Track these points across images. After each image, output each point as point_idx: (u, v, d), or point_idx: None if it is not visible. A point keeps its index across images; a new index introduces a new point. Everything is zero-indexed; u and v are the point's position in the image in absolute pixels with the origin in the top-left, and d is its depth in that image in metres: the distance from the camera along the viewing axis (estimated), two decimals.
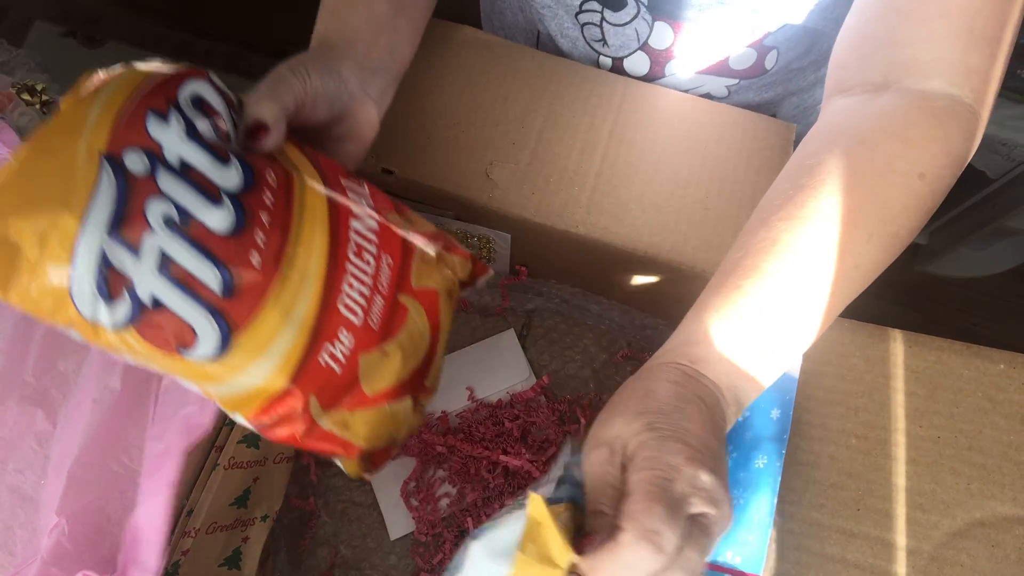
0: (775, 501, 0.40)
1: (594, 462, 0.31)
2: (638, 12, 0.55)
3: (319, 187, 0.37)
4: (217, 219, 0.33)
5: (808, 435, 0.48)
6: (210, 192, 0.33)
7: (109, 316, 0.31)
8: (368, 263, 0.37)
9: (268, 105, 0.37)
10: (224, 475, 0.49)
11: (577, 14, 0.58)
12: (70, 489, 0.41)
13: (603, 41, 0.58)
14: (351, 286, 0.36)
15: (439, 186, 0.52)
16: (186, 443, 0.36)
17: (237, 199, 0.34)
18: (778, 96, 0.63)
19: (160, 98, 0.34)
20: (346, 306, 0.35)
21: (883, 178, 0.36)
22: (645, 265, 0.52)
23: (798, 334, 0.36)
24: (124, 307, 0.31)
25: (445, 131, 0.54)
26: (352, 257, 0.37)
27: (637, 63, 0.59)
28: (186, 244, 0.32)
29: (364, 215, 0.39)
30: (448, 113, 0.55)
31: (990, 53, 0.37)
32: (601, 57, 0.60)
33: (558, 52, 0.62)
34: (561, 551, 0.26)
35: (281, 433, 0.35)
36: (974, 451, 0.47)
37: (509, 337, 0.59)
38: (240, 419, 0.35)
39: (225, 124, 0.36)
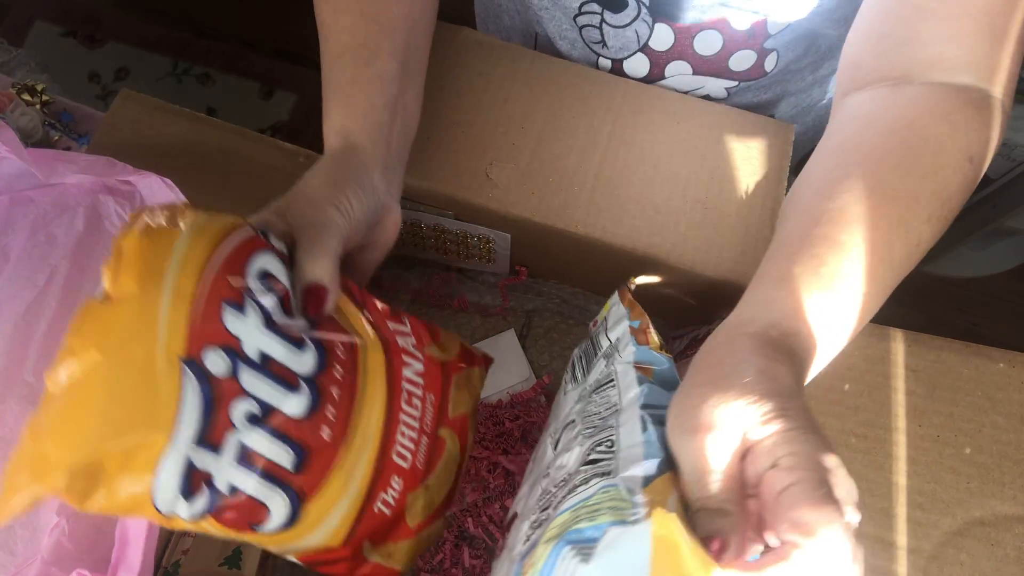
0: None
1: (708, 448, 0.27)
2: (639, 14, 0.55)
3: (379, 354, 0.38)
4: (295, 405, 0.33)
5: None
6: (289, 381, 0.33)
7: (188, 510, 0.31)
8: (416, 407, 0.39)
9: (323, 264, 0.34)
10: None
11: (576, 16, 0.57)
12: None
13: (602, 43, 0.58)
14: (403, 434, 0.38)
15: (439, 186, 0.52)
16: None
17: (313, 381, 0.34)
18: (776, 96, 0.63)
19: (233, 287, 0.32)
20: (399, 454, 0.38)
21: (936, 159, 0.36)
22: (645, 265, 0.52)
23: (869, 309, 0.35)
24: (203, 500, 0.31)
25: (445, 132, 0.54)
26: (404, 407, 0.39)
27: (637, 65, 0.59)
28: (266, 434, 0.32)
29: (412, 361, 0.40)
30: (448, 114, 0.55)
31: (1013, 51, 0.37)
32: (600, 59, 0.60)
33: (556, 54, 0.62)
34: (702, 566, 0.23)
35: (331, 569, 0.37)
36: (974, 450, 0.47)
37: (509, 337, 0.59)
38: (291, 557, 0.36)
39: (290, 294, 0.35)
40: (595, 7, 0.56)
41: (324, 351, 0.35)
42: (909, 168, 0.35)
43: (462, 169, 0.53)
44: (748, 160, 0.53)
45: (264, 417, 0.32)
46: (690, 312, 0.56)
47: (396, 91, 0.43)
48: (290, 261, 0.35)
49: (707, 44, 0.56)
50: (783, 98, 0.64)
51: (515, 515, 0.39)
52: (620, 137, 0.54)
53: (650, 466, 0.28)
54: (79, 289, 0.50)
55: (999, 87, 0.38)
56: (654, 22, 0.55)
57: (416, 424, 0.39)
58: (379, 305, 0.40)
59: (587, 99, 0.56)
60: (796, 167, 0.46)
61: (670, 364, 0.36)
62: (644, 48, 0.57)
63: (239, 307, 0.32)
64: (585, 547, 0.25)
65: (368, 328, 0.38)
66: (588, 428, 0.35)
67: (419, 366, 0.40)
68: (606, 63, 0.60)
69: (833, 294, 0.33)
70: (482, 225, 0.55)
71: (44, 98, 0.65)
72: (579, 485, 0.30)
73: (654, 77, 0.60)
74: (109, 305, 0.31)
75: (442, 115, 0.55)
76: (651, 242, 0.51)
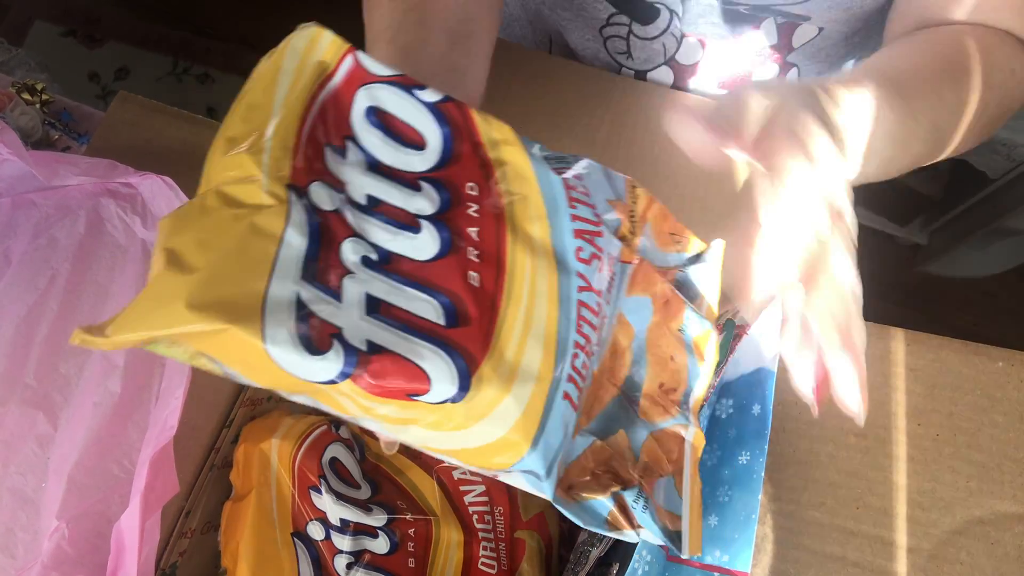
0: (759, 497, 0.40)
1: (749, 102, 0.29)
2: (668, 27, 0.54)
3: (456, 532, 0.46)
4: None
5: (807, 434, 0.48)
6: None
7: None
8: (487, 522, 0.47)
9: None
10: (219, 474, 0.49)
11: (602, 27, 0.57)
12: (71, 493, 0.41)
13: (627, 54, 0.58)
14: (485, 548, 0.46)
15: None
16: (152, 449, 0.36)
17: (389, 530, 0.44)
18: None
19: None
20: (485, 564, 0.45)
21: (997, 51, 0.39)
22: None
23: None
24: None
25: None
26: (477, 525, 0.47)
27: (661, 77, 0.59)
28: None
29: (473, 487, 0.48)
30: None
31: None
32: (623, 69, 0.60)
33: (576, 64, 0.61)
34: None
35: None
36: (973, 449, 0.47)
37: None
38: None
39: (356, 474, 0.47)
40: (623, 19, 0.55)
41: (394, 535, 0.45)
42: (985, 39, 0.39)
43: None
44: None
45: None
46: None
47: (443, 50, 0.40)
48: None
49: (733, 58, 0.56)
50: None
51: None
52: (618, 136, 0.54)
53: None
54: (80, 292, 0.50)
55: None
56: (683, 36, 0.54)
57: (491, 535, 0.46)
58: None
59: (585, 98, 0.56)
60: None
61: None
62: (670, 61, 0.57)
63: (318, 490, 0.45)
64: None
65: (429, 481, 0.47)
66: None
67: (480, 488, 0.48)
68: (629, 73, 0.60)
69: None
70: None
71: (44, 97, 0.65)
72: None
73: (677, 89, 0.59)
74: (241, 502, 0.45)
75: None
76: None
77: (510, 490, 0.49)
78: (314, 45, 0.30)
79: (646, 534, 0.29)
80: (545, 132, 0.54)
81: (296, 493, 0.45)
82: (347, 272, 0.26)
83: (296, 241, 0.25)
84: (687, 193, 0.52)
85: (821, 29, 0.52)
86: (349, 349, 0.25)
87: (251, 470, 0.46)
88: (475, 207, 0.30)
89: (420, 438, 0.27)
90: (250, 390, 0.49)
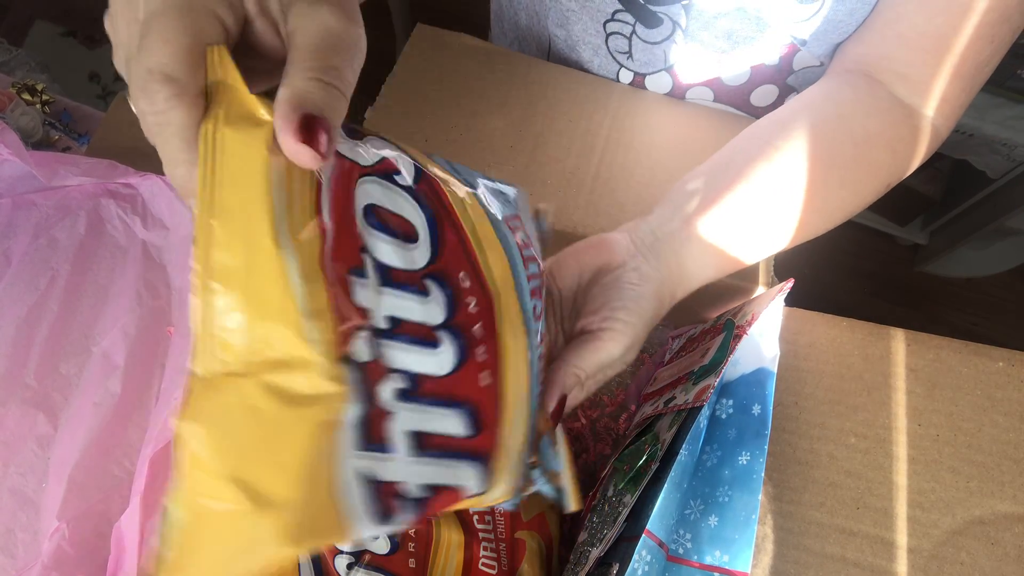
0: (759, 497, 0.40)
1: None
2: (671, 34, 0.54)
3: (456, 533, 0.44)
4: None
5: (807, 434, 0.48)
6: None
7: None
8: (488, 523, 0.45)
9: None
10: None
11: (606, 22, 0.56)
12: (71, 493, 0.41)
13: (628, 54, 0.58)
14: (485, 548, 0.44)
15: None
16: (152, 449, 0.36)
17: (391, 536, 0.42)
18: None
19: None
20: (486, 565, 0.44)
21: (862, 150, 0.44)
22: None
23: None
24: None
25: (443, 135, 0.54)
26: (477, 525, 0.45)
27: (660, 83, 0.59)
28: None
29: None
30: (446, 118, 0.55)
31: (961, 87, 0.44)
32: (622, 70, 0.59)
33: (574, 61, 0.61)
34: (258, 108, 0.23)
35: None
36: (973, 449, 0.47)
37: None
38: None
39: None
40: (628, 17, 0.55)
41: (396, 541, 0.43)
42: (841, 143, 0.43)
43: None
44: None
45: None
46: (686, 312, 0.56)
47: None
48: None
49: (734, 73, 0.56)
50: None
51: None
52: (617, 139, 0.54)
53: None
54: (80, 292, 0.50)
55: (940, 116, 0.45)
56: (686, 45, 0.54)
57: (491, 536, 0.45)
58: None
59: (584, 102, 0.56)
60: None
61: None
62: (670, 69, 0.57)
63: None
64: None
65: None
66: None
67: None
68: (628, 75, 0.60)
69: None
70: None
71: (45, 97, 0.65)
72: None
73: (675, 97, 0.59)
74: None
75: (440, 119, 0.55)
76: None
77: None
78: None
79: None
80: (543, 136, 0.54)
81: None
82: (387, 414, 0.26)
83: (352, 414, 0.25)
84: None
85: (822, 63, 0.52)
86: (410, 504, 0.26)
87: None
88: (473, 301, 0.31)
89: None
90: None
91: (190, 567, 0.20)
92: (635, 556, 0.36)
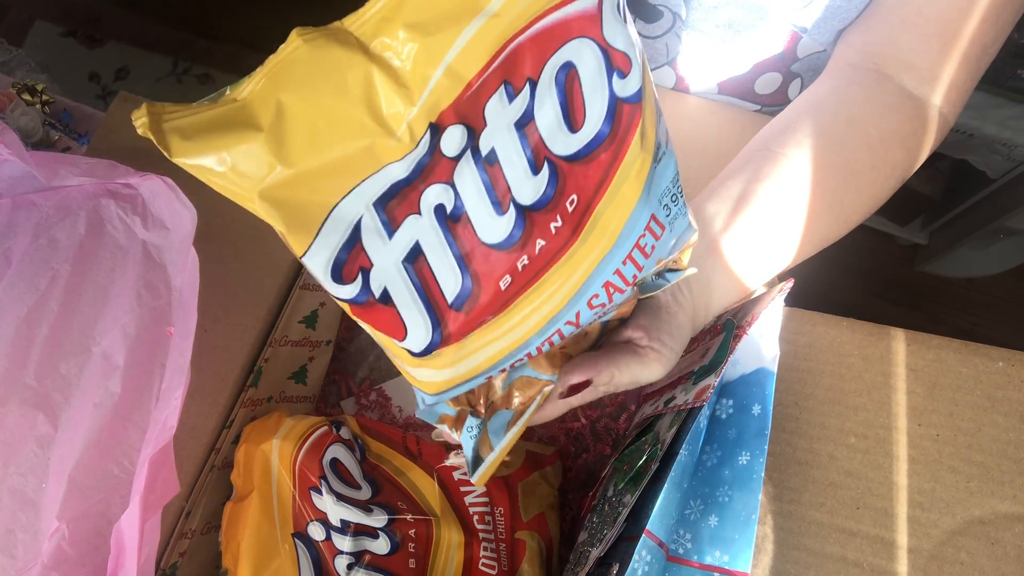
0: (759, 497, 0.40)
1: None
2: (672, 26, 0.54)
3: (456, 533, 0.47)
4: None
5: (807, 434, 0.48)
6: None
7: None
8: (488, 523, 0.47)
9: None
10: (219, 475, 0.49)
11: None
12: (71, 493, 0.41)
13: None
14: (485, 549, 0.46)
15: None
16: (152, 449, 0.36)
17: (391, 533, 0.45)
18: None
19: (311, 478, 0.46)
20: (486, 565, 0.46)
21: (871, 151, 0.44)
22: None
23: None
24: None
25: None
26: (477, 525, 0.47)
27: (662, 77, 0.58)
28: None
29: (474, 491, 0.49)
30: None
31: (967, 71, 0.44)
32: None
33: None
34: None
35: None
36: (973, 449, 0.47)
37: None
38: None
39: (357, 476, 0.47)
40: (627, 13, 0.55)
41: (396, 539, 0.45)
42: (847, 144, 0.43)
43: None
44: None
45: None
46: None
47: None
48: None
49: (737, 63, 0.55)
50: None
51: None
52: None
53: None
54: (80, 293, 0.50)
55: (948, 103, 0.45)
56: (686, 37, 0.54)
57: (491, 536, 0.47)
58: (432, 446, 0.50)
59: None
60: None
61: None
62: (672, 62, 0.57)
63: (318, 491, 0.45)
64: None
65: (434, 486, 0.48)
66: None
67: (481, 488, 0.48)
68: None
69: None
70: None
71: (44, 97, 0.65)
72: None
73: (678, 91, 0.59)
74: (242, 502, 0.46)
75: None
76: None
77: (511, 491, 0.49)
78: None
79: (462, 449, 0.35)
80: None
81: (297, 494, 0.45)
82: (415, 212, 0.27)
83: (395, 172, 0.26)
84: (689, 193, 0.52)
85: (826, 49, 0.52)
86: (365, 289, 0.28)
87: (252, 470, 0.46)
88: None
89: (379, 341, 0.32)
90: (250, 391, 0.50)
91: (194, 133, 0.24)
92: (635, 556, 0.36)
